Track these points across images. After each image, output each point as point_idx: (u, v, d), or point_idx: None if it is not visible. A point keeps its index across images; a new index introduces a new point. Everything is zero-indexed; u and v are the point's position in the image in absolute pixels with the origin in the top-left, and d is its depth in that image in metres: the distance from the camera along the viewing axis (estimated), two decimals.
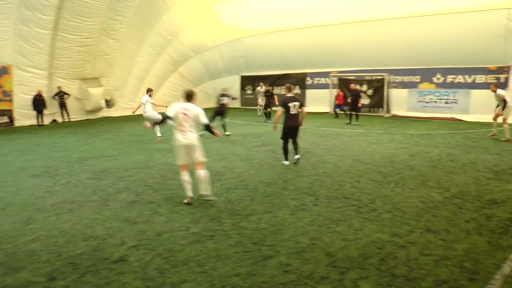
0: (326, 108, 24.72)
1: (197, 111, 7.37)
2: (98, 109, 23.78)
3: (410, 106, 22.59)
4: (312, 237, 5.80)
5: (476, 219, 6.46)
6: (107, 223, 6.46)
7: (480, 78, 20.20)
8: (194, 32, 25.96)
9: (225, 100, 16.26)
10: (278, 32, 25.55)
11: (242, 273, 4.75)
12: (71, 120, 22.22)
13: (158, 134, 14.88)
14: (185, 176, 7.44)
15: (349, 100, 19.72)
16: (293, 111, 10.33)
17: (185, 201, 7.43)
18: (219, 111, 16.21)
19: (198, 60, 27.74)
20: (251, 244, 5.59)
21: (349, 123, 19.35)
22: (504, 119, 14.31)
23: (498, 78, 19.49)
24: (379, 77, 23.00)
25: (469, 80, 20.55)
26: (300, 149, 11.03)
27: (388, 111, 22.98)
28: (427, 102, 22.03)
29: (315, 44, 24.18)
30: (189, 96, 7.58)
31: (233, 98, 16.69)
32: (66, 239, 5.84)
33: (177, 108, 7.39)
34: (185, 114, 7.30)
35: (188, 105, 7.44)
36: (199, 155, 7.42)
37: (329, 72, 24.89)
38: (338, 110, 22.59)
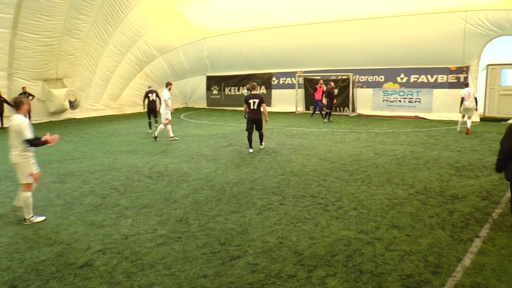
0: (293, 107, 24.92)
1: (17, 125, 6.00)
2: (61, 111, 23.21)
3: (375, 105, 23.06)
4: (280, 236, 5.83)
5: (439, 214, 6.65)
6: (72, 228, 6.31)
7: (442, 78, 20.82)
8: (159, 31, 25.69)
9: (154, 96, 16.34)
10: (242, 32, 25.54)
11: (210, 274, 4.73)
12: (33, 122, 21.59)
13: (171, 135, 14.96)
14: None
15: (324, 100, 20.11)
16: (253, 106, 12.22)
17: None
18: (150, 109, 16.74)
19: (164, 60, 27.48)
20: (219, 244, 5.58)
21: (326, 122, 19.76)
22: (463, 115, 14.96)
23: (458, 78, 20.14)
24: (344, 77, 23.31)
25: (432, 79, 21.15)
26: (264, 141, 13.00)
27: (353, 110, 23.33)
28: (391, 101, 22.52)
29: (280, 44, 24.31)
30: (15, 106, 6.28)
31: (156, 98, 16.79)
32: (28, 245, 5.67)
33: None
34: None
35: (14, 117, 6.14)
36: (19, 176, 6.41)
37: (295, 72, 25.08)
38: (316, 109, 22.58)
